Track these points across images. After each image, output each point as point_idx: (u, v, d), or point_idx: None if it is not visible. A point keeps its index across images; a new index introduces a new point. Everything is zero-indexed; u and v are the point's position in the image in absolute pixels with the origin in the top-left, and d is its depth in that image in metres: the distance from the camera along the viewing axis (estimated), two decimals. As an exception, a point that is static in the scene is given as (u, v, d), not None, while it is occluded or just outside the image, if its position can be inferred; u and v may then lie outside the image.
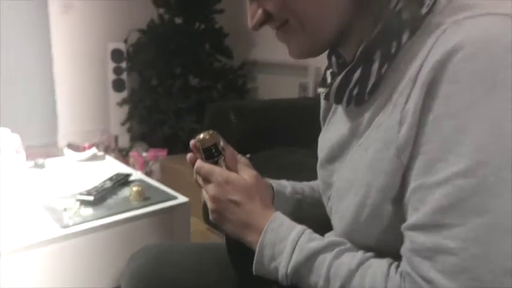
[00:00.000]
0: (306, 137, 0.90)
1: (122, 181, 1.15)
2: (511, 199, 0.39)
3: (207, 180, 0.59)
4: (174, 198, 1.07)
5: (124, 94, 3.25)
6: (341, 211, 0.55)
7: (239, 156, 0.64)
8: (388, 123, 0.47)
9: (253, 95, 3.39)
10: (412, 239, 0.44)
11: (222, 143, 0.62)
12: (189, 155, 0.63)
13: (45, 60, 3.35)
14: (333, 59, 0.59)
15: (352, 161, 0.54)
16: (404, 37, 0.47)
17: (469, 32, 0.42)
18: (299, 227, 0.54)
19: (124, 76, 3.25)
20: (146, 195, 1.04)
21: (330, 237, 0.54)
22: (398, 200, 0.47)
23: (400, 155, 0.45)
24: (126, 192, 1.09)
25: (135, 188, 1.03)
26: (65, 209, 0.98)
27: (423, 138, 0.43)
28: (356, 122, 0.54)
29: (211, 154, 0.60)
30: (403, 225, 0.45)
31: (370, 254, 0.50)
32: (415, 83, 0.44)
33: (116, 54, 3.20)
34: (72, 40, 3.37)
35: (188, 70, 3.00)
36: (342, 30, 0.52)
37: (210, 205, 0.59)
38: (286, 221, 0.56)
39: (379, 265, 0.48)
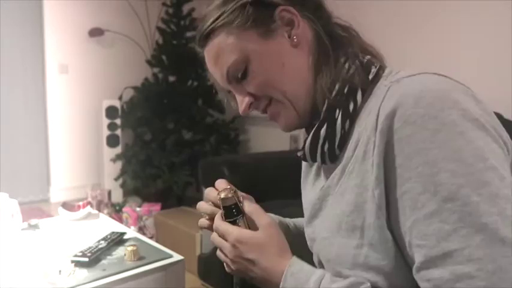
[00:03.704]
0: (297, 188, 0.93)
1: (116, 240, 1.15)
2: (496, 211, 0.44)
3: (224, 238, 0.62)
4: (169, 256, 1.08)
5: (118, 149, 3.29)
6: (333, 256, 0.57)
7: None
8: (364, 168, 0.53)
9: (245, 147, 3.46)
10: (428, 278, 0.46)
11: (241, 198, 0.63)
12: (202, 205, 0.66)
13: (40, 115, 3.42)
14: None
15: (332, 208, 0.59)
16: (359, 97, 0.56)
17: (408, 86, 0.51)
18: (319, 271, 0.56)
19: (118, 132, 3.31)
20: (141, 255, 1.05)
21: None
22: (389, 239, 0.51)
23: (374, 194, 0.51)
24: (120, 251, 1.10)
25: (129, 248, 1.04)
26: (60, 272, 0.98)
27: (398, 180, 0.49)
28: (331, 175, 0.60)
29: (231, 213, 0.62)
30: (414, 269, 0.48)
31: None
32: (375, 131, 0.51)
33: (111, 111, 3.28)
34: (67, 97, 3.46)
35: (181, 125, 3.07)
36: (313, 102, 0.61)
37: (231, 265, 0.62)
38: (306, 265, 0.58)
39: None
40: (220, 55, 0.61)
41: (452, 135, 0.46)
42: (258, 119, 3.28)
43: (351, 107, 0.57)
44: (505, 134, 0.52)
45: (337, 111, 0.57)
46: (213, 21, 0.61)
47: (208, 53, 0.63)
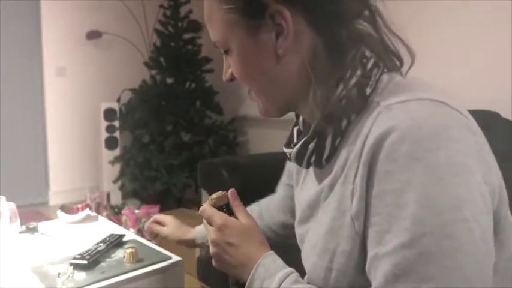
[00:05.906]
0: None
1: (115, 242, 1.15)
2: (451, 265, 0.43)
3: (209, 223, 0.65)
4: (168, 258, 1.08)
5: (116, 152, 3.29)
6: (309, 272, 0.59)
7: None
8: (343, 192, 0.52)
9: (244, 148, 3.46)
10: None
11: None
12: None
13: (38, 118, 3.41)
14: (300, 117, 0.66)
15: (318, 224, 0.59)
16: (353, 115, 0.52)
17: (398, 117, 0.47)
18: (288, 269, 0.58)
19: (117, 134, 3.31)
20: (140, 257, 1.05)
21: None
22: (361, 267, 0.50)
23: (353, 224, 0.50)
24: (119, 254, 1.09)
25: (128, 250, 1.03)
26: (59, 275, 0.97)
27: (371, 210, 0.48)
28: (321, 186, 0.59)
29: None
30: None
31: None
32: (360, 158, 0.49)
33: (109, 113, 3.28)
34: (65, 99, 3.46)
35: (180, 127, 3.07)
36: (295, 100, 0.59)
37: (211, 249, 0.64)
38: (279, 260, 0.60)
39: None
40: (210, 22, 0.58)
41: (430, 181, 0.44)
42: (257, 120, 3.28)
43: (343, 125, 0.53)
44: (495, 175, 0.49)
45: (329, 129, 0.53)
46: None
47: (204, 4, 0.58)
